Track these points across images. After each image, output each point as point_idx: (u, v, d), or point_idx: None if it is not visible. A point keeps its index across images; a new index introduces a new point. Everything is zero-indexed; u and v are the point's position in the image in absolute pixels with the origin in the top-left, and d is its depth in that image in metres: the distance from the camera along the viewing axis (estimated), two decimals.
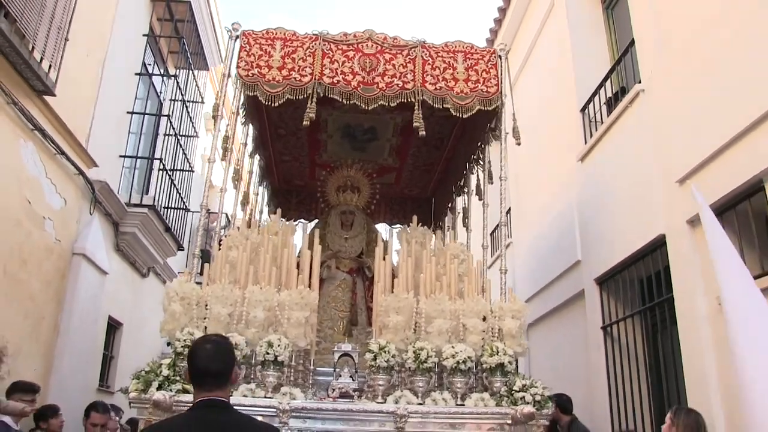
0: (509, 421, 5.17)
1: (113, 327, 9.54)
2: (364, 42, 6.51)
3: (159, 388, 5.02)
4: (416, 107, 6.24)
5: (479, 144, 7.40)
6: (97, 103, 8.42)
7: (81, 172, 7.83)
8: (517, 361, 5.89)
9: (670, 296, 6.23)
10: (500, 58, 6.65)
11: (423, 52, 6.48)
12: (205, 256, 9.67)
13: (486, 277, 6.41)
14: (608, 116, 7.76)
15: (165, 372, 5.11)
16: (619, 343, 7.48)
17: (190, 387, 4.63)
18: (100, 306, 8.45)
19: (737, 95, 5.17)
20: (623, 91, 7.69)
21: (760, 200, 5.09)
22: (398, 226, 8.94)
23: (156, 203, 9.64)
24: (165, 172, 10.10)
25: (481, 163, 7.34)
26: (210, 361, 2.65)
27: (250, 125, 7.48)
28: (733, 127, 5.18)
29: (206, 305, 5.48)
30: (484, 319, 5.71)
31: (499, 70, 6.56)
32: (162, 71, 11.34)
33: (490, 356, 5.45)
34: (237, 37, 6.51)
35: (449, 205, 8.81)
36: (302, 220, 9.13)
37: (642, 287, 7.10)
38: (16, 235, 6.47)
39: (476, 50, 6.64)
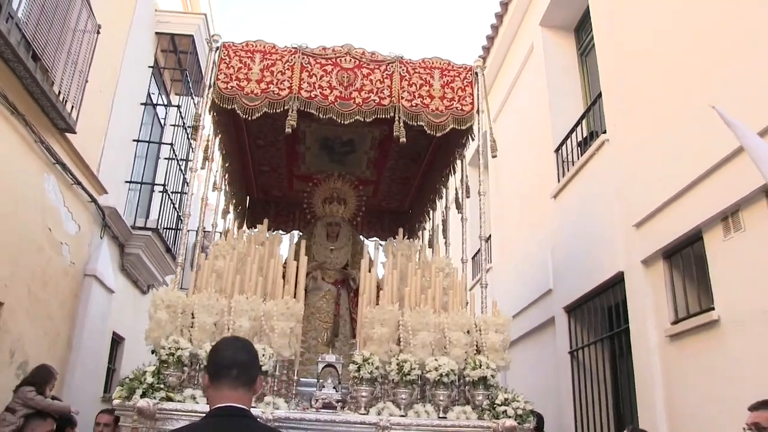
0: None
1: (116, 342, 10.17)
2: (342, 56, 6.56)
3: (143, 395, 5.00)
4: (397, 118, 6.28)
5: (454, 159, 7.53)
6: (107, 133, 9.10)
7: (93, 200, 8.50)
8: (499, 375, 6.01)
9: (628, 326, 6.95)
10: (476, 75, 6.70)
11: (400, 67, 6.53)
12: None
13: (469, 290, 6.54)
14: (580, 157, 8.48)
15: (149, 380, 5.10)
16: (584, 367, 8.20)
17: (174, 395, 5.10)
18: (107, 322, 9.11)
19: (688, 151, 5.87)
20: (593, 135, 8.43)
21: (699, 248, 5.82)
22: (375, 239, 8.89)
23: (158, 225, 10.31)
24: (167, 195, 10.76)
25: (459, 177, 7.40)
26: (234, 352, 2.37)
27: (226, 136, 7.44)
28: (683, 180, 5.90)
29: (192, 314, 5.46)
30: (468, 332, 5.71)
31: (474, 88, 6.61)
32: (165, 101, 12.02)
33: (473, 369, 5.45)
34: (217, 48, 6.54)
35: (427, 219, 8.87)
36: (280, 231, 8.98)
37: (605, 316, 7.78)
38: (38, 260, 7.14)
39: (453, 67, 6.66)
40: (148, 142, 11.01)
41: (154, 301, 5.47)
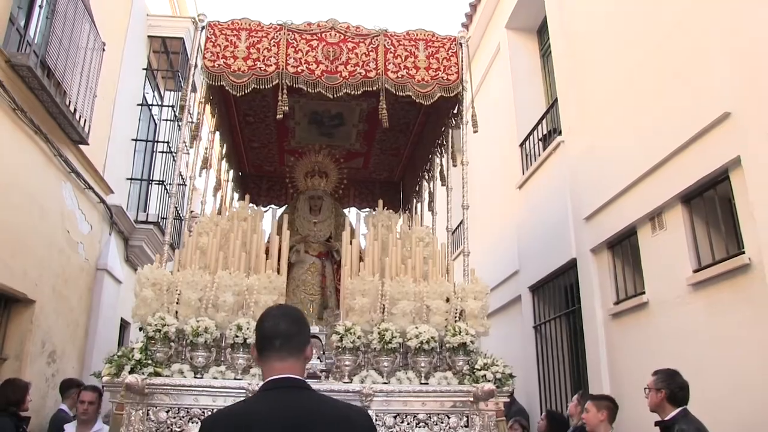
0: (471, 399, 5.27)
1: (123, 326, 11.09)
2: (327, 31, 6.55)
3: (131, 371, 5.03)
4: (381, 98, 6.29)
5: (443, 129, 7.51)
6: (110, 136, 9.95)
7: (102, 201, 9.38)
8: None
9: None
10: (460, 46, 6.70)
11: (385, 40, 6.53)
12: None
13: (450, 259, 6.59)
14: (542, 152, 9.46)
15: (137, 356, 5.13)
16: (547, 339, 9.29)
17: (162, 370, 5.12)
18: (116, 310, 10.04)
19: (628, 156, 6.86)
20: (553, 132, 9.40)
21: (635, 241, 6.87)
22: (367, 210, 9.04)
23: (158, 218, 11.20)
24: (163, 187, 11.64)
25: (445, 147, 7.47)
26: (275, 322, 2.30)
27: (217, 113, 7.49)
28: (623, 182, 6.92)
29: (177, 290, 5.48)
30: (448, 300, 5.77)
31: (459, 58, 6.62)
32: (158, 98, 12.84)
33: (453, 336, 5.48)
34: (203, 27, 6.54)
35: (416, 189, 8.90)
36: (273, 206, 9.22)
37: (564, 295, 8.84)
38: (60, 260, 8.05)
39: (437, 38, 6.67)
40: (146, 140, 11.84)
41: (139, 279, 5.49)
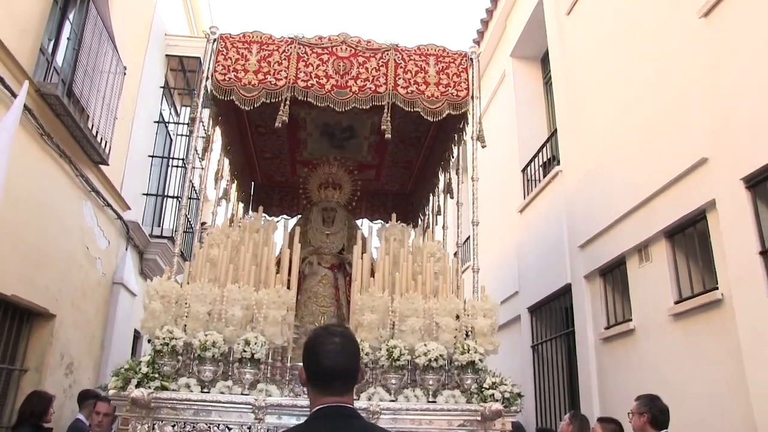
0: (479, 418, 5.20)
1: (136, 338, 11.51)
2: (338, 45, 6.54)
3: (138, 385, 5.02)
4: (386, 110, 6.25)
5: (451, 144, 7.54)
6: (128, 154, 10.39)
7: (119, 217, 9.82)
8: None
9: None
10: (471, 61, 6.68)
11: (396, 55, 6.51)
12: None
13: (460, 275, 6.52)
14: (543, 178, 9.85)
15: (144, 369, 5.12)
16: (544, 359, 9.65)
17: (169, 384, 5.10)
18: (131, 322, 10.46)
19: (619, 190, 7.26)
20: (553, 160, 9.78)
21: (624, 270, 7.25)
22: (379, 221, 9.01)
23: (172, 232, 11.63)
24: (178, 201, 12.09)
25: (453, 162, 7.52)
26: (340, 359, 2.21)
27: (227, 124, 7.49)
28: (615, 214, 7.30)
29: (186, 303, 5.45)
30: (457, 317, 5.71)
31: (469, 74, 6.59)
32: (174, 114, 13.31)
33: (462, 354, 5.44)
34: (215, 40, 6.55)
35: (426, 203, 8.86)
36: (285, 216, 9.14)
37: (561, 317, 9.20)
38: (79, 275, 8.48)
39: (448, 53, 6.64)
40: (162, 157, 12.28)
41: (148, 291, 5.47)
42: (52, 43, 7.68)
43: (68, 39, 7.73)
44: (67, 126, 7.68)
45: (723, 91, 5.58)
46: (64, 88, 7.47)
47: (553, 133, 9.90)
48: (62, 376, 8.02)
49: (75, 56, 7.75)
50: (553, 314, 9.42)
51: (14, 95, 6.47)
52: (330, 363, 2.21)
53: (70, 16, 8.00)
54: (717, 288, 5.54)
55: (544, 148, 10.23)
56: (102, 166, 9.00)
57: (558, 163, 9.19)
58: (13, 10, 6.62)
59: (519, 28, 11.26)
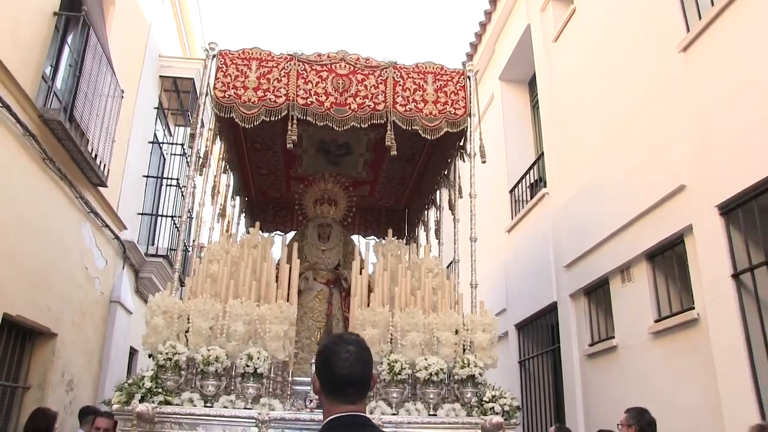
0: (479, 431, 5.29)
1: (132, 354, 11.70)
2: (337, 62, 6.55)
3: (141, 400, 5.04)
4: (389, 128, 6.30)
5: (449, 160, 7.56)
6: (124, 175, 10.62)
7: (117, 237, 10.03)
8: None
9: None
10: (468, 79, 6.73)
11: (394, 73, 6.54)
12: None
13: (458, 290, 6.54)
14: (530, 199, 10.14)
15: (147, 384, 5.14)
16: (531, 374, 9.92)
17: (172, 398, 5.16)
18: (127, 339, 10.66)
19: (602, 214, 7.55)
20: (540, 181, 10.09)
21: (607, 290, 7.54)
22: (372, 237, 9.16)
23: (167, 251, 11.86)
24: (172, 221, 12.31)
25: (451, 178, 7.52)
26: (354, 367, 2.22)
27: (225, 141, 7.51)
28: (598, 236, 7.59)
29: (188, 319, 5.49)
30: (457, 332, 5.77)
31: (467, 92, 6.62)
32: (168, 133, 13.55)
33: (462, 368, 5.51)
34: (214, 56, 6.55)
35: (420, 219, 8.96)
36: (279, 232, 9.22)
37: (548, 334, 9.48)
38: (79, 295, 8.69)
39: (446, 71, 6.70)
40: (157, 177, 12.51)
41: (150, 307, 5.52)
42: (52, 69, 7.91)
43: (70, 66, 7.96)
44: (68, 150, 7.90)
45: (700, 122, 5.90)
46: (65, 114, 7.70)
47: (540, 156, 10.20)
48: (63, 393, 8.21)
49: (75, 81, 7.97)
50: (540, 331, 9.70)
51: (20, 122, 6.73)
52: (345, 371, 2.20)
53: (69, 39, 8.22)
54: (693, 308, 5.85)
55: (532, 170, 10.53)
56: (100, 188, 9.23)
57: (545, 185, 9.50)
58: (18, 38, 6.85)
59: (507, 53, 11.58)
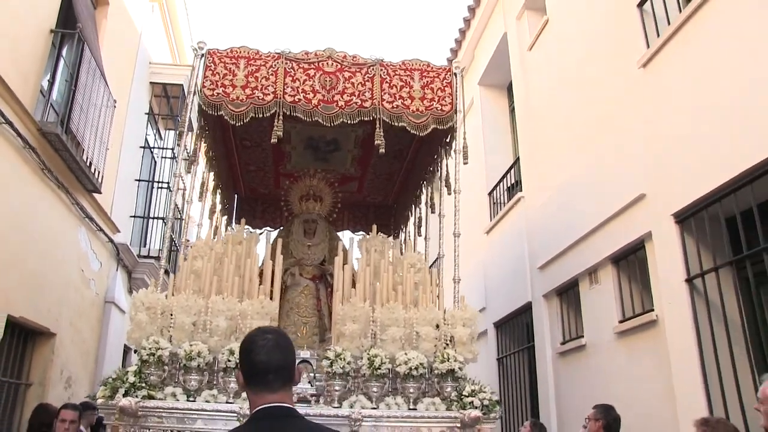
0: (458, 425, 5.33)
1: (126, 352, 12.08)
2: (324, 60, 6.62)
3: (125, 394, 5.11)
4: (378, 126, 6.37)
5: (435, 157, 7.70)
6: (117, 179, 10.98)
7: (111, 240, 10.41)
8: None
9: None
10: (455, 76, 6.81)
11: (381, 70, 6.60)
12: None
13: (441, 285, 6.66)
14: (508, 201, 10.57)
15: (131, 379, 5.22)
16: (509, 370, 10.38)
17: (155, 393, 5.24)
18: (121, 338, 11.04)
19: (572, 218, 7.97)
20: (517, 185, 10.51)
21: (577, 291, 7.99)
22: (361, 233, 9.17)
23: (158, 252, 12.22)
24: (163, 222, 12.69)
25: (438, 174, 7.65)
26: (272, 353, 2.23)
27: (213, 138, 7.60)
28: (568, 240, 8.03)
29: (171, 314, 5.56)
30: (438, 326, 5.82)
31: (453, 89, 6.70)
32: (158, 137, 13.92)
33: (442, 362, 5.57)
34: (202, 55, 6.60)
35: (407, 214, 9.05)
36: (268, 228, 9.27)
37: (525, 332, 9.91)
38: (76, 297, 9.08)
39: (432, 68, 6.77)
40: (148, 181, 12.90)
41: (134, 303, 5.63)
42: (49, 83, 8.26)
43: (66, 81, 8.32)
44: (64, 159, 8.27)
45: (659, 135, 6.32)
46: (62, 127, 8.04)
47: (517, 161, 10.63)
48: (62, 390, 8.60)
49: (71, 94, 8.32)
50: (517, 329, 10.14)
51: (21, 136, 7.10)
52: (263, 357, 2.22)
53: (64, 53, 8.57)
54: (653, 310, 6.29)
55: (509, 174, 10.95)
56: (94, 194, 9.60)
57: (521, 189, 9.92)
58: (18, 55, 7.22)
59: (486, 59, 11.99)
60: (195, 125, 7.31)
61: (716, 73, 5.56)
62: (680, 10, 6.15)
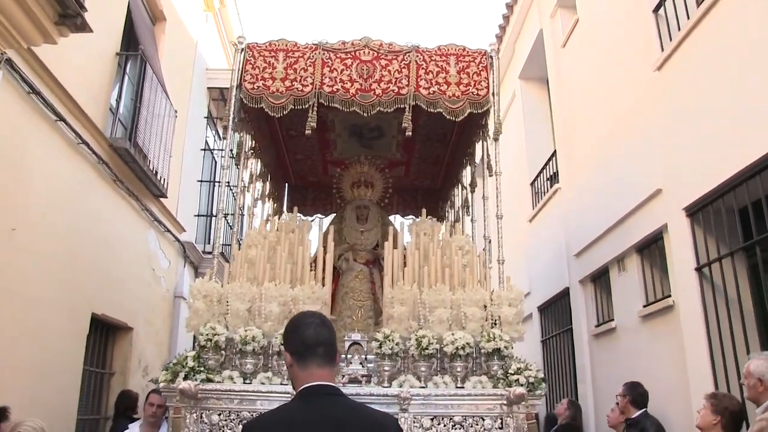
0: (504, 402, 5.43)
1: (195, 341, 12.96)
2: (361, 49, 6.69)
3: (185, 378, 5.34)
4: (407, 111, 6.44)
5: (474, 139, 7.77)
6: (181, 182, 11.85)
7: (177, 239, 11.30)
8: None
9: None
10: (491, 59, 6.86)
11: (417, 56, 6.64)
12: None
13: (488, 267, 6.68)
14: (549, 190, 11.04)
15: (190, 363, 5.46)
16: (553, 352, 10.96)
17: (213, 376, 5.47)
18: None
19: (604, 208, 8.44)
20: (556, 175, 10.97)
21: (608, 278, 8.49)
22: (411, 216, 9.36)
23: (222, 248, 13.09)
24: (224, 218, 13.54)
25: (477, 158, 7.77)
26: (316, 330, 2.36)
27: (257, 129, 7.85)
28: (600, 229, 8.50)
29: (227, 301, 5.78)
30: (485, 307, 5.91)
31: (489, 72, 6.72)
32: (218, 137, 14.79)
33: (488, 342, 5.65)
34: (242, 50, 6.76)
35: (453, 197, 9.12)
36: (319, 215, 9.58)
37: (566, 315, 10.37)
38: (149, 294, 9.99)
39: (468, 52, 6.79)
40: (210, 181, 13.80)
41: (192, 292, 5.87)
42: (116, 101, 9.09)
43: (132, 100, 9.15)
44: (133, 170, 9.11)
45: (672, 133, 6.76)
46: (130, 141, 8.87)
47: (555, 152, 11.10)
48: (140, 378, 9.55)
49: (136, 110, 9.15)
50: (558, 313, 10.67)
51: (96, 154, 7.94)
52: (313, 332, 2.35)
53: (128, 70, 9.37)
54: (670, 296, 6.78)
55: (549, 164, 11.42)
56: (161, 198, 10.48)
57: (558, 180, 10.41)
58: (88, 79, 8.00)
59: (525, 53, 12.45)
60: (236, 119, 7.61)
61: (719, 77, 5.95)
62: (688, 17, 6.54)
